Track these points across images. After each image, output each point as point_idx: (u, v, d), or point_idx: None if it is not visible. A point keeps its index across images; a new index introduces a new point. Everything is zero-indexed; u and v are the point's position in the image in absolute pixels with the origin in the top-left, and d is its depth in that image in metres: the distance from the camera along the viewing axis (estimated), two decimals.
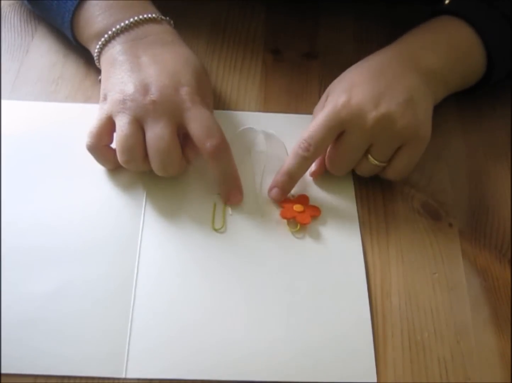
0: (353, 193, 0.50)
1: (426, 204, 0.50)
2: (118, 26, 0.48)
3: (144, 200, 0.48)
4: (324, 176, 0.50)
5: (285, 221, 0.47)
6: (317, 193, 0.49)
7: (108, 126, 0.46)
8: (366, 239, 0.47)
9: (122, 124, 0.44)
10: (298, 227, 0.47)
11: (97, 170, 0.49)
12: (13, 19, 0.60)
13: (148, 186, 0.48)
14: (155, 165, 0.45)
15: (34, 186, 0.48)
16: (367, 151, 0.47)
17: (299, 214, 0.47)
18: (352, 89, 0.47)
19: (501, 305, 0.45)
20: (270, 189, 0.48)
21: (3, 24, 0.59)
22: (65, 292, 0.42)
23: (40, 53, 0.57)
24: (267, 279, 0.44)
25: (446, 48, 0.50)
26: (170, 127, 0.44)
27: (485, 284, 0.46)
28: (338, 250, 0.46)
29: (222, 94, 0.56)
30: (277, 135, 0.51)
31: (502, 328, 0.43)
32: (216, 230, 0.46)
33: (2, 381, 0.39)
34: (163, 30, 0.50)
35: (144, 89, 0.45)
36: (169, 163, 0.45)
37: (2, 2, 0.61)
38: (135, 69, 0.46)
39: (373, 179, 0.51)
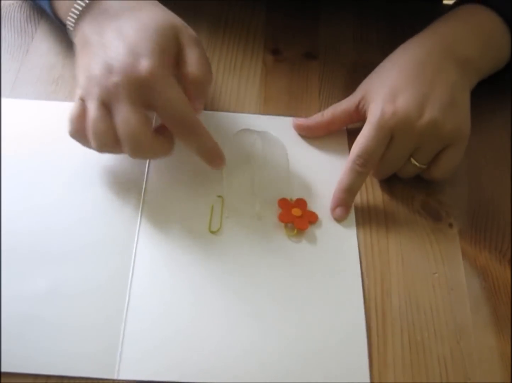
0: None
1: (426, 204, 0.50)
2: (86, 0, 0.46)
3: (141, 200, 0.47)
4: (322, 181, 0.50)
5: (282, 224, 0.47)
6: (315, 197, 0.49)
7: (83, 111, 0.44)
8: (366, 239, 0.47)
9: (90, 109, 0.43)
10: (295, 231, 0.47)
11: (95, 170, 0.49)
12: (13, 19, 0.60)
13: (145, 187, 0.48)
14: (125, 149, 0.43)
15: (31, 185, 0.48)
16: (410, 155, 0.47)
17: (297, 219, 0.47)
18: (396, 96, 0.47)
19: (501, 305, 0.45)
20: (334, 209, 0.48)
21: (3, 24, 0.59)
22: (59, 292, 0.42)
23: (40, 53, 0.57)
24: (262, 282, 0.44)
25: (480, 37, 0.51)
26: (135, 109, 0.42)
27: (485, 284, 0.46)
28: (335, 255, 0.46)
29: (222, 93, 0.56)
30: (276, 137, 0.51)
31: (502, 328, 0.43)
32: (212, 232, 0.46)
33: (2, 381, 0.39)
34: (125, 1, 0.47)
35: (108, 70, 0.42)
36: (139, 147, 0.43)
37: (2, 2, 0.61)
38: (98, 50, 0.44)
39: (372, 179, 0.51)
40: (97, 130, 0.43)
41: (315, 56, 0.60)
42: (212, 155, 0.46)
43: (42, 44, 0.58)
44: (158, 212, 0.47)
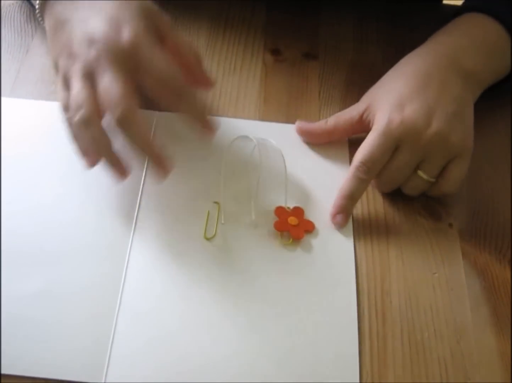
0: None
1: (426, 204, 0.49)
2: None
3: (137, 204, 0.47)
4: (320, 190, 0.49)
5: (278, 233, 0.47)
6: (313, 205, 0.49)
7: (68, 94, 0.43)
8: (366, 240, 0.47)
9: (73, 83, 0.42)
10: (291, 240, 0.46)
11: (94, 171, 0.48)
12: (13, 19, 0.60)
13: (142, 189, 0.48)
14: (113, 118, 0.41)
15: (29, 185, 0.47)
16: (417, 167, 0.47)
17: (293, 227, 0.46)
18: (403, 106, 0.46)
19: (501, 305, 0.45)
20: (334, 216, 0.47)
21: (3, 24, 0.59)
22: (48, 294, 0.42)
23: (40, 53, 0.57)
24: (255, 289, 0.44)
25: (484, 48, 0.51)
26: (119, 77, 0.41)
27: (485, 284, 0.46)
28: (330, 265, 0.45)
29: (222, 93, 0.56)
30: (275, 144, 0.51)
31: (502, 328, 0.43)
32: (207, 239, 0.46)
33: (2, 381, 0.39)
34: None
35: (88, 43, 0.42)
36: (122, 115, 0.40)
37: (2, 2, 0.61)
38: (76, 27, 0.44)
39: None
40: (79, 100, 0.41)
41: (315, 56, 0.60)
42: (205, 119, 0.44)
43: (42, 44, 0.58)
44: (153, 215, 0.47)
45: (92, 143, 0.42)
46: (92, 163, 0.43)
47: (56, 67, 0.45)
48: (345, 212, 0.47)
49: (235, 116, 0.54)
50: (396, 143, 0.46)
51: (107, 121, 0.42)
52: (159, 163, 0.43)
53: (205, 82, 0.49)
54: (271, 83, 0.57)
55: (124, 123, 0.41)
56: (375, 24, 0.64)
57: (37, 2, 0.48)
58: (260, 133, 0.51)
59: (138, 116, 0.41)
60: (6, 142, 0.49)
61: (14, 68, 0.56)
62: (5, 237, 0.45)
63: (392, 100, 0.47)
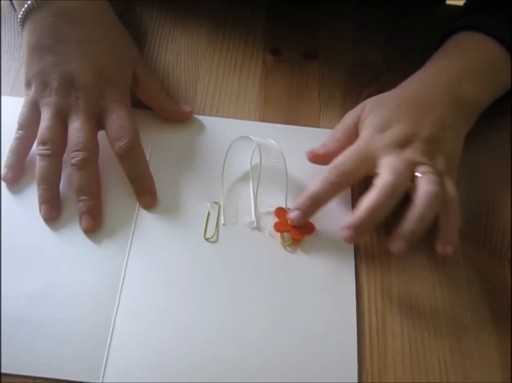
0: (351, 210, 0.49)
1: None
2: None
3: (137, 204, 0.47)
4: None
5: (278, 234, 0.46)
6: None
7: (36, 114, 0.47)
8: (366, 239, 0.47)
9: (45, 116, 0.46)
10: (290, 241, 0.46)
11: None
12: (13, 19, 0.60)
13: None
14: (73, 159, 0.45)
15: (27, 183, 0.47)
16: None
17: (293, 228, 0.46)
18: (386, 128, 0.46)
19: (501, 305, 0.45)
20: (291, 211, 0.46)
21: (3, 24, 0.59)
22: (50, 294, 0.42)
23: None
24: (255, 289, 0.44)
25: (484, 71, 0.50)
26: (90, 122, 0.46)
27: (485, 284, 0.46)
28: (329, 267, 0.45)
29: (222, 93, 0.56)
30: (275, 145, 0.50)
31: (502, 328, 0.43)
32: (207, 239, 0.46)
33: (2, 381, 0.39)
34: (85, 4, 0.49)
35: (69, 83, 0.46)
36: (87, 159, 0.45)
37: (2, 2, 0.60)
38: (59, 60, 0.47)
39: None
40: (46, 136, 0.45)
41: (315, 56, 0.60)
42: (140, 185, 0.47)
43: None
44: (153, 214, 0.47)
45: (44, 173, 0.45)
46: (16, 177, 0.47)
47: (28, 84, 0.48)
48: (302, 211, 0.45)
49: (235, 116, 0.54)
50: (372, 159, 0.45)
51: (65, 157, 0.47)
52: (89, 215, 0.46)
53: (179, 115, 0.53)
54: (271, 83, 0.57)
55: (80, 168, 0.45)
56: (375, 24, 0.64)
57: (22, 10, 0.48)
58: (260, 133, 0.51)
59: (95, 164, 0.46)
60: (6, 140, 0.49)
61: (14, 68, 0.56)
62: (5, 237, 0.45)
63: (378, 120, 0.47)
